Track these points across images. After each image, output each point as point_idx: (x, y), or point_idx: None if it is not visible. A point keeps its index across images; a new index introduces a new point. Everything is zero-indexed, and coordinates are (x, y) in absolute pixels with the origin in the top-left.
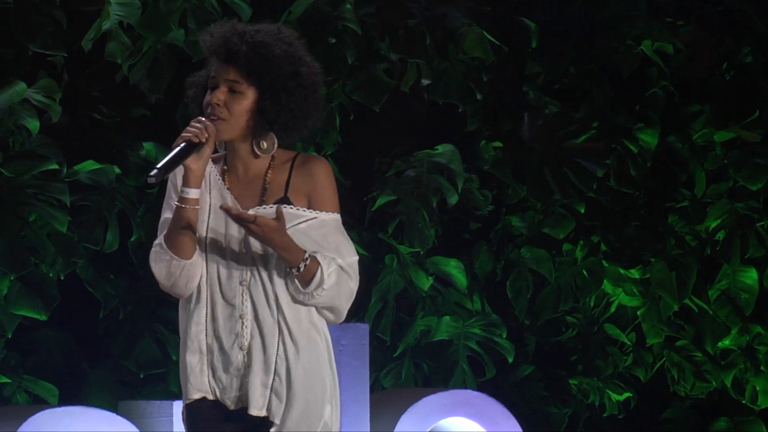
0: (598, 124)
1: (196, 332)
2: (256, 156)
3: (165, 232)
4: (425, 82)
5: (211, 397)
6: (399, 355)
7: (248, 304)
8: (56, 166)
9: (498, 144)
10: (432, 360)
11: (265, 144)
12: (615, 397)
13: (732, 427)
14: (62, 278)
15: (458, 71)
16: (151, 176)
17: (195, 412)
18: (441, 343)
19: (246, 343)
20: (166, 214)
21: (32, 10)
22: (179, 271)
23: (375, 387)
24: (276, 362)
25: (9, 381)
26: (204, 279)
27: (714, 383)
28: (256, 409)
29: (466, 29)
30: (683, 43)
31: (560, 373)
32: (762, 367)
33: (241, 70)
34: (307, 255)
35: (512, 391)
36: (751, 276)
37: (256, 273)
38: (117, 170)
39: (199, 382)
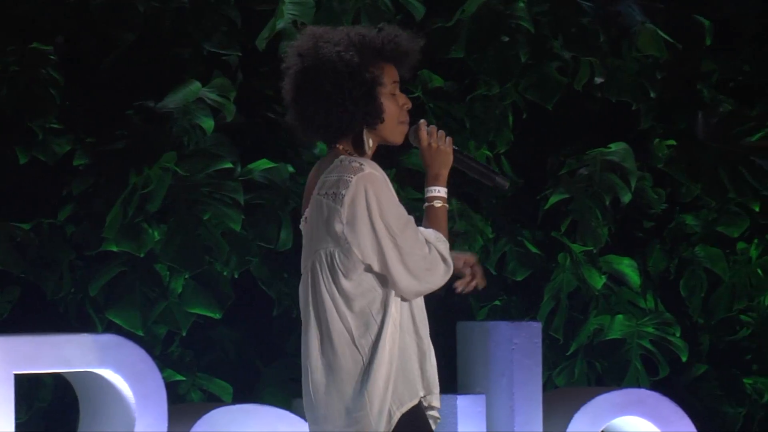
0: None
1: (417, 336)
2: None
3: (437, 234)
4: (598, 80)
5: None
6: (572, 353)
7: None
8: (230, 165)
9: (672, 142)
10: (605, 359)
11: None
12: None
13: None
14: (236, 276)
15: (632, 69)
16: (506, 183)
17: (419, 416)
18: (614, 342)
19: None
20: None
21: (207, 10)
22: None
23: (547, 385)
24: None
25: (184, 379)
26: None
27: None
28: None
29: (640, 27)
30: None
31: (735, 373)
32: None
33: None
34: None
35: (686, 390)
36: None
37: None
38: (291, 169)
39: (420, 384)
